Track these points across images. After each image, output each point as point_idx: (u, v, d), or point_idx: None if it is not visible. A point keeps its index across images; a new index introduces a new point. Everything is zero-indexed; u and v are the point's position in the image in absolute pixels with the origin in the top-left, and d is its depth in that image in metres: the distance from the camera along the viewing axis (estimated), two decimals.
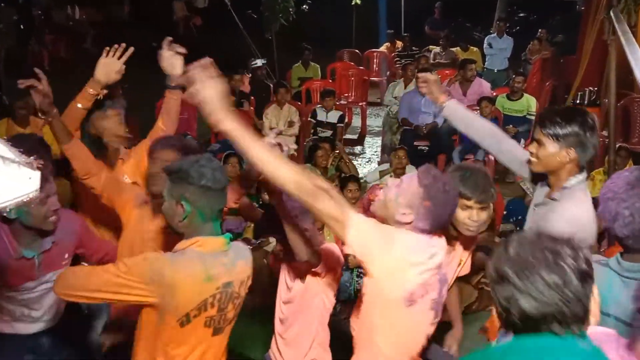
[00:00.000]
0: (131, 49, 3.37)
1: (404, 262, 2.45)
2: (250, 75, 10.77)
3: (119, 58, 3.44)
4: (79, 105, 3.40)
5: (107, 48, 3.40)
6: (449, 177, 2.64)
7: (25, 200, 1.52)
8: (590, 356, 1.60)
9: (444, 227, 2.62)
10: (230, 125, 2.22)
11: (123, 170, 3.61)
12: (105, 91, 3.42)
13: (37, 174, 1.54)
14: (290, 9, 11.86)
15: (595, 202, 5.34)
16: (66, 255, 3.10)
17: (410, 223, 2.49)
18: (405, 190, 2.52)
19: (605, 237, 4.96)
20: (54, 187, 2.91)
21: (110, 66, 3.41)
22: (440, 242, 2.61)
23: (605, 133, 6.83)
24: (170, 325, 2.46)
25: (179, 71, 3.26)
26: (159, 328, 2.48)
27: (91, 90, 3.40)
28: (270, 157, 2.24)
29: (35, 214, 2.85)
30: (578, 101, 10.05)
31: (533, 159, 2.85)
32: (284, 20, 11.97)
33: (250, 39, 11.98)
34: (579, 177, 2.83)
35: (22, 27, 13.99)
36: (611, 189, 2.30)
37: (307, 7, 23.17)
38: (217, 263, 2.52)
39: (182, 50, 3.14)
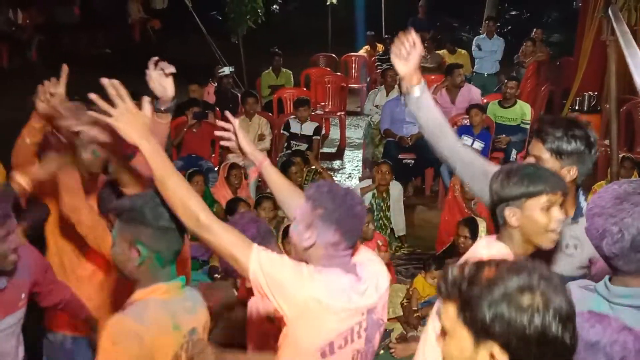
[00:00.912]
0: (65, 68, 3.28)
1: (322, 305, 2.41)
2: (215, 84, 10.77)
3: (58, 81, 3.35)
4: (28, 141, 3.36)
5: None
6: (336, 184, 2.67)
7: None
8: None
9: (357, 233, 2.58)
10: (149, 147, 2.36)
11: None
12: (51, 124, 3.37)
13: None
14: (259, 10, 11.88)
15: None
16: (22, 296, 3.04)
17: (313, 247, 2.49)
18: (299, 216, 2.55)
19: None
20: (14, 223, 2.86)
21: (50, 96, 3.32)
22: (372, 276, 2.59)
23: (607, 142, 6.92)
24: None
25: (171, 93, 3.21)
26: None
27: (36, 124, 3.35)
28: (171, 179, 2.34)
29: None
30: (577, 107, 10.17)
31: None
32: (252, 23, 11.98)
33: (215, 44, 11.99)
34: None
35: None
36: (598, 203, 2.25)
37: (277, 8, 23.28)
38: (180, 310, 2.52)
39: (171, 69, 3.09)
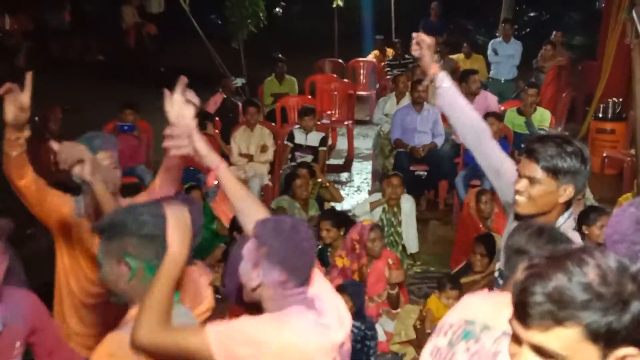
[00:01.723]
0: (29, 75, 3.29)
1: (298, 349, 2.46)
2: (224, 94, 10.73)
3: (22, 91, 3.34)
4: (14, 154, 3.37)
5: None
6: (283, 218, 2.73)
7: None
8: None
9: (306, 271, 2.60)
10: (177, 264, 2.45)
11: None
12: (27, 133, 3.38)
13: None
14: (261, 14, 11.92)
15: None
16: (17, 344, 3.01)
17: (260, 286, 2.54)
18: (245, 255, 2.59)
19: None
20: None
21: (15, 105, 3.31)
22: (333, 310, 2.62)
23: (632, 152, 6.92)
24: None
25: (188, 123, 3.21)
26: None
27: (11, 136, 3.34)
28: (159, 303, 2.40)
29: None
30: (601, 115, 10.19)
31: (522, 199, 2.87)
32: (253, 27, 12.02)
33: (215, 49, 12.03)
34: (566, 215, 2.90)
35: None
36: (617, 230, 2.29)
37: (280, 11, 23.36)
38: (178, 324, 2.52)
39: (196, 100, 3.08)
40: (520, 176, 2.93)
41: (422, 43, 3.47)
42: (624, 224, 2.27)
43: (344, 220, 6.30)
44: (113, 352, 2.39)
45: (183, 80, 3.01)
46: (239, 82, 11.02)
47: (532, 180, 2.85)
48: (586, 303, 1.52)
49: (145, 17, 19.49)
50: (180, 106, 3.01)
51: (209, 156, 2.90)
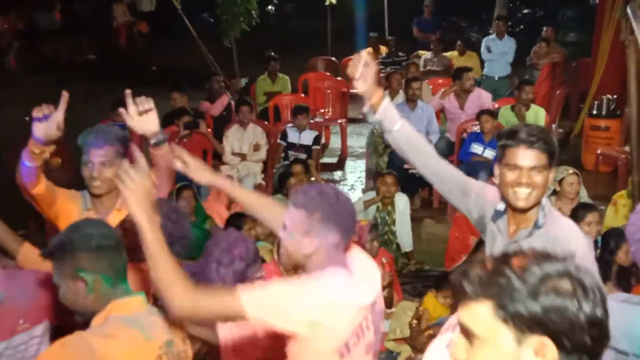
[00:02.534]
0: (66, 96, 3.33)
1: (331, 310, 2.55)
2: (230, 95, 10.67)
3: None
4: (34, 165, 3.40)
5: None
6: (316, 184, 2.82)
7: None
8: None
9: (354, 230, 2.72)
10: (147, 225, 2.44)
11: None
12: (52, 147, 3.41)
13: None
14: (253, 12, 11.91)
15: (617, 231, 5.41)
16: (21, 321, 3.02)
17: (317, 252, 2.61)
18: (291, 225, 2.65)
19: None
20: None
21: (49, 125, 3.37)
22: (367, 272, 2.75)
23: (627, 149, 6.93)
24: None
25: (155, 128, 3.23)
26: None
27: (35, 149, 3.39)
28: (162, 261, 2.42)
29: None
30: (595, 112, 10.23)
31: (526, 191, 2.87)
32: (246, 25, 12.01)
33: (207, 48, 12.03)
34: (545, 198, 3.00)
35: None
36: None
37: (272, 9, 23.36)
38: (147, 323, 2.54)
39: (147, 105, 3.10)
40: (514, 168, 2.91)
41: (357, 60, 3.17)
42: None
43: None
44: (67, 344, 2.40)
45: (127, 93, 3.06)
46: (243, 81, 11.03)
47: (535, 169, 2.86)
48: (496, 281, 1.59)
49: (136, 16, 19.52)
50: (139, 118, 3.07)
51: (213, 180, 3.06)
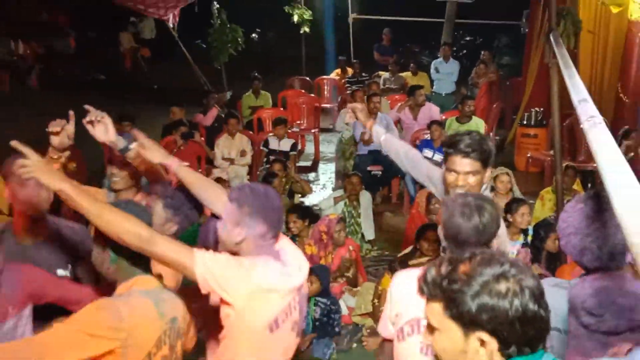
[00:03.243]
0: (72, 114, 3.31)
1: (264, 290, 2.55)
2: (219, 108, 10.65)
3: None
4: (55, 168, 3.35)
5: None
6: (255, 184, 2.91)
7: None
8: None
9: (280, 223, 2.74)
10: (63, 185, 2.39)
11: None
12: (67, 152, 3.37)
13: None
14: (239, 39, 11.89)
15: (546, 222, 5.45)
16: (10, 308, 2.97)
17: (244, 240, 2.61)
18: (225, 217, 2.66)
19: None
20: None
21: (62, 135, 3.34)
22: (294, 261, 2.73)
23: (552, 152, 7.00)
24: None
25: (112, 136, 3.18)
26: None
27: (54, 156, 3.36)
28: (109, 214, 2.37)
29: None
30: (525, 122, 10.32)
31: (462, 191, 2.89)
32: (233, 50, 11.99)
33: (200, 70, 11.97)
34: (483, 187, 3.06)
35: None
36: (571, 223, 2.29)
37: (256, 37, 23.32)
38: (160, 299, 2.53)
39: (100, 116, 3.06)
40: (454, 172, 2.98)
41: (355, 110, 3.70)
42: (576, 218, 2.28)
43: (308, 213, 6.30)
44: (102, 307, 2.37)
45: (86, 108, 3.02)
46: (228, 95, 11.02)
47: (470, 173, 2.93)
48: (444, 285, 1.63)
49: (139, 42, 19.43)
50: (98, 128, 3.05)
51: (164, 160, 3.03)
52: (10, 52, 16.20)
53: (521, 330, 1.57)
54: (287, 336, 2.73)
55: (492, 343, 1.58)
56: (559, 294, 2.30)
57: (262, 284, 2.53)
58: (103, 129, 3.12)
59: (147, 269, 2.57)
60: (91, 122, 3.09)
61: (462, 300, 1.59)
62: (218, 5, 11.85)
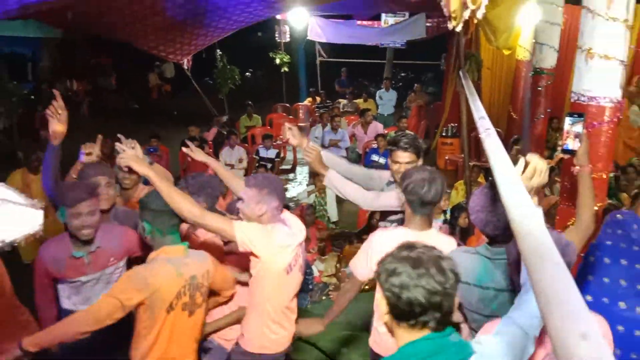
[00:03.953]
0: (100, 137, 3.32)
1: (281, 246, 2.64)
2: (217, 128, 10.60)
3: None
4: (74, 176, 3.30)
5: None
6: (264, 173, 3.06)
7: (30, 234, 1.52)
8: (458, 347, 1.51)
9: (285, 198, 2.78)
10: (149, 173, 2.48)
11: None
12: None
13: (40, 213, 1.53)
14: (236, 77, 11.83)
15: (459, 206, 5.47)
16: (112, 259, 2.96)
17: (265, 212, 2.64)
18: (246, 200, 2.68)
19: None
20: (90, 208, 2.77)
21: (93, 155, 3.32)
22: (296, 225, 2.82)
23: (462, 156, 7.08)
24: (160, 315, 2.45)
25: (139, 154, 2.81)
26: (151, 320, 2.45)
27: (78, 166, 3.31)
28: (175, 195, 2.43)
29: (71, 225, 2.79)
30: (444, 134, 10.42)
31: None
32: (232, 85, 11.92)
33: (208, 99, 11.87)
34: None
35: (32, 97, 13.45)
36: (478, 203, 2.27)
37: (250, 74, 23.24)
38: (182, 263, 2.53)
39: (133, 143, 2.82)
40: (397, 163, 3.06)
41: (291, 133, 3.24)
42: (482, 199, 2.25)
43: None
44: (131, 276, 2.42)
45: (119, 137, 2.80)
46: (225, 118, 10.96)
47: (408, 163, 3.03)
48: (377, 271, 1.56)
49: (163, 80, 19.25)
50: (131, 153, 2.71)
51: (206, 160, 3.18)
52: (67, 89, 15.91)
53: (430, 304, 1.47)
54: (297, 275, 2.81)
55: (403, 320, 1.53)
56: (469, 257, 2.31)
57: (280, 242, 2.62)
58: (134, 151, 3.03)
59: (175, 239, 2.55)
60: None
61: (382, 284, 1.54)
62: (220, 52, 11.76)
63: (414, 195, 2.56)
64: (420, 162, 3.07)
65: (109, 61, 18.35)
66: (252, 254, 2.60)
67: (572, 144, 2.38)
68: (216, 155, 8.96)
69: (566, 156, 2.50)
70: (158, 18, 8.36)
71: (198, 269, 2.60)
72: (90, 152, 3.25)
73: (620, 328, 2.65)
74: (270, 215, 2.66)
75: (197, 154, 3.18)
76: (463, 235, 5.32)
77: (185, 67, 10.06)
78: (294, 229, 2.77)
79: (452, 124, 10.30)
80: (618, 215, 2.86)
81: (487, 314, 2.22)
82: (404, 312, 1.50)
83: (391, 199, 3.03)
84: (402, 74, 21.60)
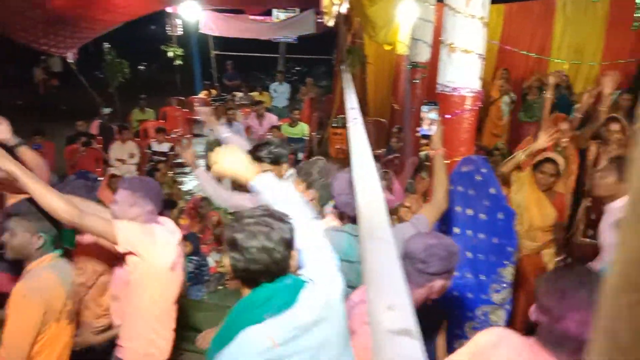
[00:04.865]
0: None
1: (164, 243, 2.55)
2: (100, 121, 9.96)
3: None
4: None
5: None
6: (143, 177, 2.82)
7: None
8: (291, 284, 1.58)
9: (160, 202, 2.66)
10: (11, 166, 2.13)
11: None
12: None
13: None
14: (126, 70, 11.25)
15: None
16: None
17: (139, 216, 2.53)
18: (121, 200, 2.55)
19: None
20: None
21: None
22: (170, 225, 2.72)
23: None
24: (60, 324, 2.30)
25: (6, 135, 2.75)
26: (55, 331, 2.27)
27: None
28: (44, 191, 2.15)
29: None
30: (335, 125, 10.62)
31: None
32: (122, 78, 11.31)
33: (97, 93, 11.16)
34: (289, 173, 3.16)
35: None
36: (339, 186, 2.38)
37: (144, 67, 22.16)
38: (62, 269, 2.36)
39: None
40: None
41: (204, 114, 3.49)
42: (342, 183, 2.35)
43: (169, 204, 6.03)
44: (27, 294, 2.15)
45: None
46: (107, 110, 10.37)
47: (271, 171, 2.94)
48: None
49: (49, 74, 17.84)
50: None
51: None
52: None
53: (261, 261, 1.54)
54: (180, 274, 2.70)
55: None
56: (336, 235, 2.38)
57: (162, 239, 2.52)
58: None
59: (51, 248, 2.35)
60: None
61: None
62: (109, 45, 11.10)
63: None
64: (283, 166, 3.04)
65: None
66: (132, 254, 2.44)
67: (427, 129, 2.55)
68: (105, 150, 8.44)
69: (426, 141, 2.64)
70: (38, 11, 7.70)
71: (72, 273, 2.46)
72: None
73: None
74: (144, 220, 2.54)
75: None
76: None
77: (71, 60, 9.37)
78: (170, 228, 2.67)
79: (342, 115, 10.50)
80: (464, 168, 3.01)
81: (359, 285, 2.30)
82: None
83: (244, 200, 3.04)
84: (297, 68, 21.73)
